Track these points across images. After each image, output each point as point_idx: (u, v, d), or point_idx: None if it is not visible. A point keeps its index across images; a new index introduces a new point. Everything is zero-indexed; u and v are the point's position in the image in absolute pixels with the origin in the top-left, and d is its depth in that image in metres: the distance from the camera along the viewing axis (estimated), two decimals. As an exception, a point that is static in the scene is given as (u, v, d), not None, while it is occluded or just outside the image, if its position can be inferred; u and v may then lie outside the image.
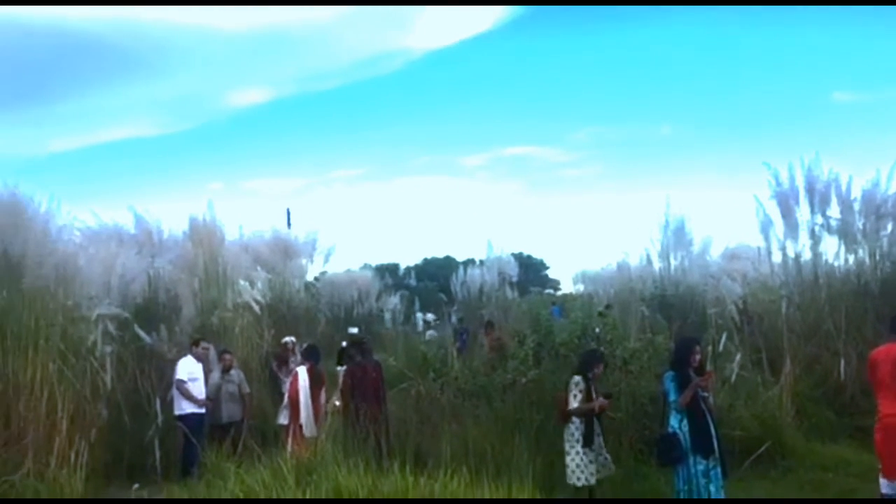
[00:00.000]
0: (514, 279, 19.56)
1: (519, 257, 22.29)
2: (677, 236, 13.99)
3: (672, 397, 6.68)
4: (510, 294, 19.23)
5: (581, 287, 21.37)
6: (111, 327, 9.89)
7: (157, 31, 42.26)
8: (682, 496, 6.60)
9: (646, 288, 14.75)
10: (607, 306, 12.95)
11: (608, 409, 7.39)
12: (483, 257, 20.95)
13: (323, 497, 6.04)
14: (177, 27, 40.65)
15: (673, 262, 13.99)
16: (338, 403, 8.92)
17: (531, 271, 30.90)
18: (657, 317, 12.12)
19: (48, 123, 50.16)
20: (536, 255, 37.05)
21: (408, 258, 47.83)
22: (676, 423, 6.62)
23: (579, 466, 7.08)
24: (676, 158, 54.59)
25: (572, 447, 7.14)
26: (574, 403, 7.09)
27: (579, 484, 7.07)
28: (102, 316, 9.69)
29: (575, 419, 7.15)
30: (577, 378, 7.19)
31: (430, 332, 17.08)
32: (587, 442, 7.06)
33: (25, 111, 49.13)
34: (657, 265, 14.58)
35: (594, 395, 7.16)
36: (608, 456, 7.28)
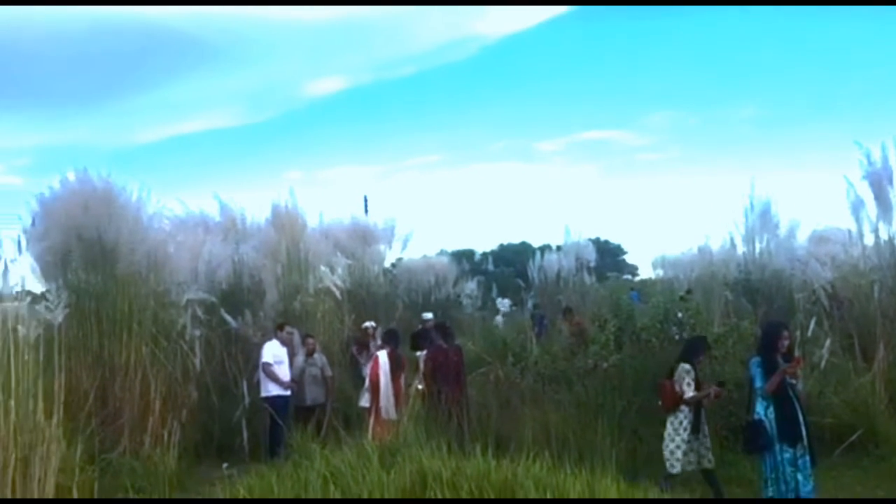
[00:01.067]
0: (592, 264, 19.35)
1: (596, 242, 22.00)
2: (763, 219, 13.56)
3: (758, 384, 6.51)
4: (588, 279, 19.04)
5: (660, 272, 20.93)
6: (199, 312, 10.17)
7: (238, 23, 43.26)
8: (768, 484, 6.45)
9: (729, 272, 14.39)
10: (688, 291, 12.71)
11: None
12: (559, 243, 20.81)
13: (407, 477, 6.13)
14: (256, 19, 41.50)
15: (758, 246, 13.58)
16: (420, 387, 9.00)
17: (608, 257, 30.51)
18: (742, 301, 11.81)
19: (134, 115, 51.99)
20: (613, 240, 36.62)
21: (483, 244, 47.91)
22: (762, 409, 6.46)
23: (686, 454, 6.94)
24: (760, 140, 52.86)
25: (678, 435, 6.97)
26: (689, 392, 6.95)
27: (674, 471, 6.97)
28: (191, 301, 9.98)
29: (683, 407, 7.01)
30: (686, 366, 7.03)
31: (498, 318, 17.06)
32: (695, 430, 6.92)
33: (113, 104, 51.09)
34: (741, 249, 14.17)
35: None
36: (710, 447, 7.13)
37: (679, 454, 6.94)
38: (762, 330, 7.28)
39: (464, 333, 15.27)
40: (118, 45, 41.59)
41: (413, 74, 56.97)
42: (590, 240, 20.91)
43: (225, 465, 9.41)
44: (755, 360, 6.64)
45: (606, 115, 57.53)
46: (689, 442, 6.94)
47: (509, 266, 29.43)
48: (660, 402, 7.32)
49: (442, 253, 21.24)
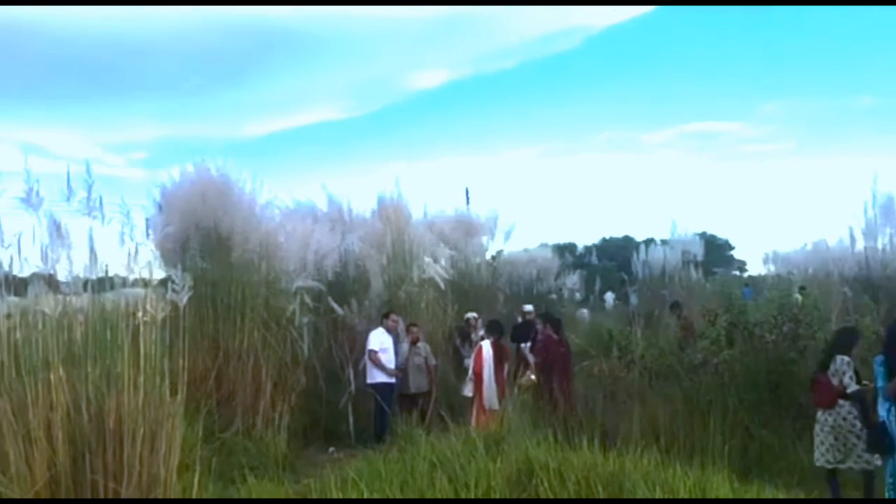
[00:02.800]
0: (699, 259, 18.82)
1: (703, 237, 21.34)
2: (885, 213, 12.91)
3: (880, 383, 6.20)
4: (694, 275, 18.53)
5: (771, 268, 20.17)
6: (307, 299, 10.42)
7: (344, 19, 44.12)
8: (891, 488, 6.15)
9: (846, 268, 13.75)
10: (801, 288, 12.21)
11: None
12: (665, 237, 20.34)
13: (513, 466, 6.14)
14: (361, 15, 42.20)
15: (881, 241, 12.94)
16: (533, 377, 9.01)
17: (715, 252, 29.55)
18: (864, 298, 11.23)
19: (245, 110, 53.77)
20: (721, 234, 35.51)
21: (585, 237, 47.21)
22: (885, 411, 6.15)
23: (854, 448, 6.66)
24: (879, 132, 50.03)
25: (848, 430, 6.69)
26: (853, 385, 6.68)
27: (829, 466, 6.73)
28: (300, 288, 10.23)
29: (842, 402, 6.74)
30: (846, 358, 6.76)
31: (580, 312, 16.75)
32: (867, 423, 6.59)
33: (225, 99, 52.93)
34: (861, 244, 13.52)
35: None
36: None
37: (847, 448, 6.66)
38: (887, 329, 6.91)
39: (566, 327, 15.14)
40: (230, 41, 43.15)
41: (515, 66, 56.55)
42: (697, 234, 20.34)
43: (331, 449, 9.68)
44: (878, 358, 6.32)
45: (716, 105, 55.31)
46: (856, 436, 6.65)
47: (612, 260, 29.01)
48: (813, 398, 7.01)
49: (543, 246, 21.00)
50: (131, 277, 6.50)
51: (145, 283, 6.28)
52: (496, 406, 8.77)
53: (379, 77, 52.81)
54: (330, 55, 48.38)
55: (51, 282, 6.13)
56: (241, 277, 9.73)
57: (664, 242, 19.72)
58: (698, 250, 19.05)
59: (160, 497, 5.26)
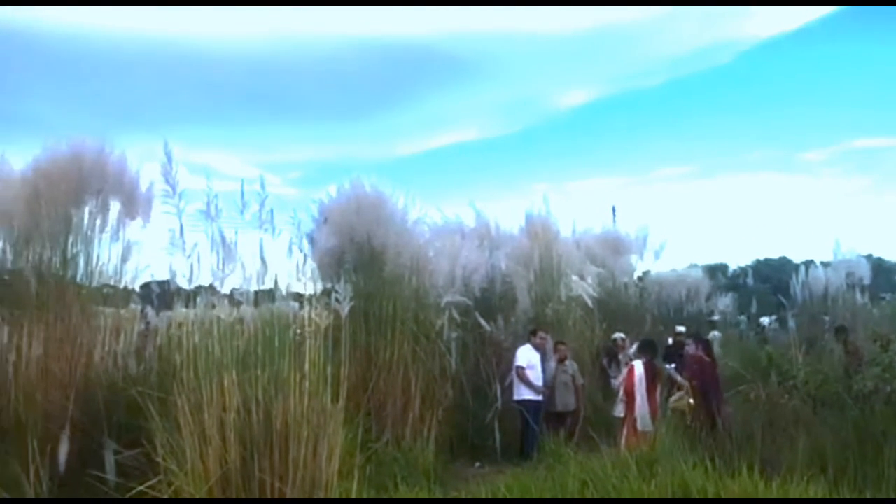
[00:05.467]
0: (865, 283, 17.59)
1: (869, 259, 19.95)
2: None
3: None
4: (860, 298, 17.35)
5: (946, 294, 18.61)
6: (456, 314, 10.55)
7: (489, 39, 44.75)
8: None
9: None
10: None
11: None
12: (825, 258, 19.21)
13: (669, 489, 5.97)
14: (506, 34, 42.64)
15: None
16: (692, 400, 8.74)
17: (882, 275, 27.55)
18: None
19: (395, 130, 55.56)
20: (889, 257, 33.06)
21: (738, 258, 45.25)
22: None
23: None
24: None
25: None
26: None
27: None
28: (449, 303, 10.37)
29: None
30: None
31: (714, 333, 15.97)
32: None
33: (376, 119, 54.89)
34: None
35: None
36: None
37: None
38: None
39: (719, 349, 14.60)
40: (381, 65, 44.69)
41: (662, 83, 55.40)
42: (862, 256, 19.05)
43: (477, 464, 9.72)
44: None
45: (881, 120, 51.97)
46: None
47: (766, 282, 27.66)
48: None
49: (692, 266, 20.33)
50: (296, 288, 6.84)
51: (309, 295, 6.58)
52: (649, 427, 8.55)
53: (525, 97, 53.11)
54: (477, 76, 49.20)
55: (217, 291, 6.56)
56: (393, 291, 9.96)
57: (825, 264, 18.61)
58: (864, 273, 17.82)
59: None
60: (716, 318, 18.83)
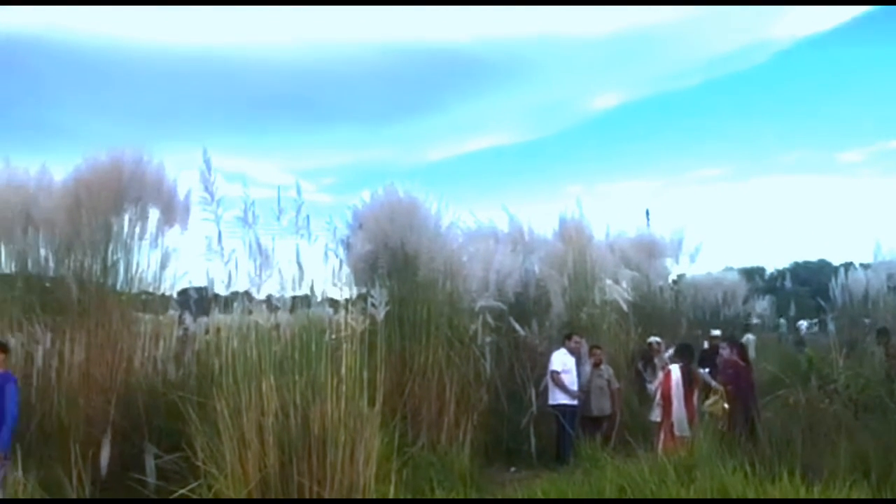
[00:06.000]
0: (908, 284, 17.23)
1: (911, 260, 19.51)
2: None
3: None
4: (902, 300, 17.01)
5: None
6: (490, 319, 10.53)
7: (520, 44, 44.80)
8: None
9: None
10: None
11: None
12: (865, 260, 18.87)
13: (708, 494, 5.91)
14: (538, 39, 42.64)
15: None
16: (726, 405, 8.63)
17: (925, 276, 26.91)
18: None
19: (427, 135, 55.92)
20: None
21: (775, 261, 44.60)
22: None
23: None
24: None
25: None
26: None
27: None
28: (483, 308, 10.36)
29: None
30: None
31: (748, 337, 15.71)
32: None
33: (408, 125, 55.28)
34: None
35: None
36: None
37: None
38: None
39: (756, 354, 14.43)
40: (413, 71, 45.00)
41: (696, 85, 54.97)
42: (904, 258, 18.65)
43: (513, 468, 9.68)
44: None
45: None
46: None
47: (803, 285, 27.25)
48: None
49: (728, 269, 20.09)
50: (331, 293, 6.91)
51: (344, 300, 6.63)
52: (686, 432, 8.47)
53: (557, 100, 53.11)
54: (510, 80, 49.29)
55: (252, 297, 6.64)
56: (427, 296, 9.98)
57: (865, 266, 18.28)
58: (907, 274, 17.47)
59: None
60: (755, 321, 18.63)
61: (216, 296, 7.57)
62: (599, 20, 49.27)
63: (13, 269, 8.54)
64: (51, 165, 8.84)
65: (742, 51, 52.35)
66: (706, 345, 13.44)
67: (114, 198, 8.48)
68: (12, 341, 7.43)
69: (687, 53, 52.09)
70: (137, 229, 8.77)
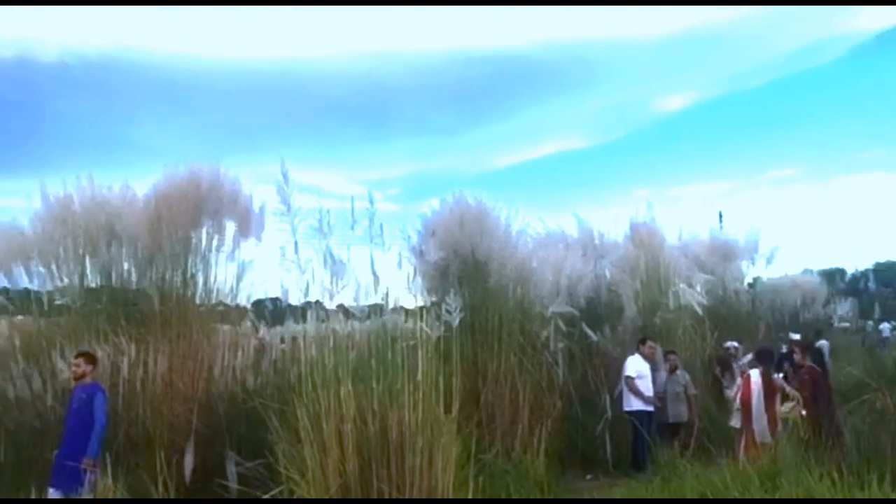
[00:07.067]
0: None
1: None
2: None
3: None
4: None
5: None
6: (561, 325, 10.46)
7: (586, 48, 44.54)
8: None
9: None
10: None
11: None
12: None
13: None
14: (601, 41, 42.30)
15: None
16: (804, 413, 8.36)
17: None
18: None
19: (493, 143, 56.03)
20: None
21: (855, 262, 43.03)
22: None
23: None
24: None
25: None
26: None
27: None
28: (555, 314, 10.30)
29: None
30: None
31: (822, 342, 15.17)
32: None
33: (472, 133, 55.48)
34: None
35: None
36: None
37: None
38: None
39: (838, 358, 13.95)
40: (476, 79, 45.19)
41: (768, 83, 53.61)
42: None
43: (588, 476, 9.59)
44: None
45: None
46: None
47: (888, 286, 26.24)
48: None
49: (807, 271, 19.48)
50: (405, 301, 6.97)
51: (416, 307, 6.69)
52: (768, 439, 8.23)
53: (625, 103, 52.57)
54: (576, 84, 49.09)
55: (325, 306, 6.74)
56: (498, 303, 9.96)
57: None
58: None
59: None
60: (842, 324, 18.03)
61: (290, 306, 7.72)
62: (666, 20, 48.63)
63: (98, 282, 8.85)
64: (132, 181, 9.15)
65: (817, 45, 50.90)
66: (785, 349, 13.07)
67: (192, 211, 8.73)
68: (99, 353, 7.69)
69: (759, 50, 50.94)
70: (215, 242, 9.00)
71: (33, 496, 6.45)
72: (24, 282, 8.82)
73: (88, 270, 8.79)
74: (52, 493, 6.51)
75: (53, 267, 8.66)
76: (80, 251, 8.64)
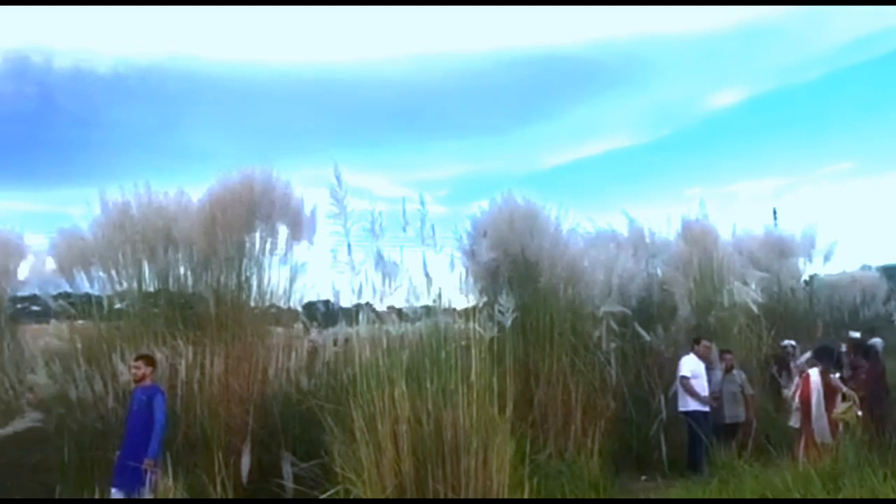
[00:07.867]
0: None
1: None
2: None
3: None
4: None
5: None
6: (613, 324, 10.36)
7: (634, 44, 44.03)
8: None
9: None
10: None
11: None
12: None
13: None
14: (648, 38, 41.79)
15: None
16: (860, 413, 8.14)
17: None
18: None
19: (541, 142, 55.65)
20: None
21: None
22: None
23: None
24: None
25: None
26: None
27: None
28: (606, 313, 10.20)
29: None
30: None
31: (875, 340, 14.70)
32: None
33: (520, 133, 55.24)
34: None
35: None
36: None
37: None
38: None
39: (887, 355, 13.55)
40: (523, 76, 44.96)
41: (822, 76, 52.26)
42: None
43: (644, 477, 9.48)
44: None
45: None
46: None
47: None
48: None
49: (865, 267, 18.88)
50: (457, 302, 6.97)
51: (468, 308, 6.69)
52: (829, 439, 8.03)
53: (675, 99, 51.82)
54: (625, 81, 48.54)
55: (375, 308, 6.79)
56: (549, 303, 9.90)
57: None
58: None
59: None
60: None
61: (342, 308, 7.79)
62: (713, 15, 47.72)
63: (156, 286, 9.03)
64: (187, 187, 9.32)
65: (871, 37, 49.30)
66: (844, 347, 12.75)
67: (246, 215, 8.85)
68: (157, 355, 7.84)
69: (811, 43, 49.61)
70: (268, 245, 9.12)
71: (97, 496, 6.59)
72: (84, 287, 9.04)
73: (146, 275, 8.95)
74: (115, 493, 6.65)
75: (113, 272, 8.85)
76: (138, 256, 8.82)
